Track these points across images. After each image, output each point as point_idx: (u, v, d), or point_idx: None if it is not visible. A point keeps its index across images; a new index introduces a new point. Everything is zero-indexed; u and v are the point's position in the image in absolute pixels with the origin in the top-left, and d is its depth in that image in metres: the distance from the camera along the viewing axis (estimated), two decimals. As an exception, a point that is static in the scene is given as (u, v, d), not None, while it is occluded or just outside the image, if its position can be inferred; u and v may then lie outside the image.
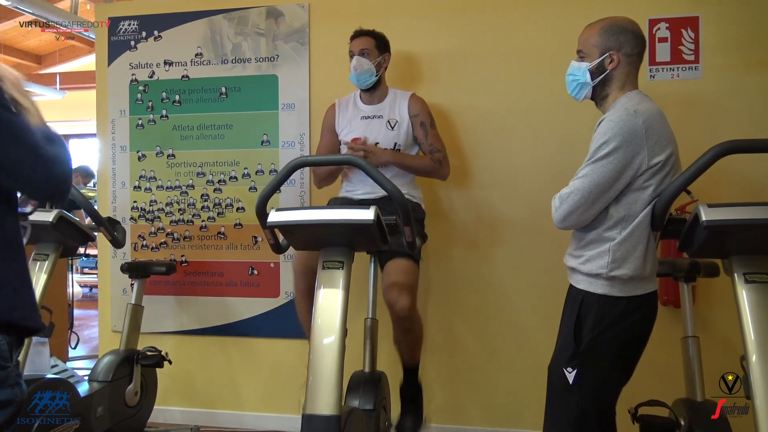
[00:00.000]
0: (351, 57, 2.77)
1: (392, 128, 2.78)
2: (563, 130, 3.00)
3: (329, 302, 1.93)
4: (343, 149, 2.75)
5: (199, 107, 3.43)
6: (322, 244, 2.06)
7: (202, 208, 3.43)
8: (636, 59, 1.82)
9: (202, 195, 3.44)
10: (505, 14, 3.10)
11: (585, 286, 1.78)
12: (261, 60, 3.37)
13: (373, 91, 2.82)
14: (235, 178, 3.38)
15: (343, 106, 2.89)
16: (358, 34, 2.82)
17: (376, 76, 2.77)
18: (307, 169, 3.14)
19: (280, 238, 2.19)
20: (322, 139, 2.93)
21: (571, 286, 1.85)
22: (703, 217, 1.63)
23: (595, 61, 1.82)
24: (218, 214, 3.40)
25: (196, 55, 3.45)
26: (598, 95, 1.85)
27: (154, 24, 3.49)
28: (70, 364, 4.09)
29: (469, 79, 3.14)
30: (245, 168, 3.38)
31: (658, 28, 2.90)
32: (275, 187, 2.02)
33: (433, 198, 3.12)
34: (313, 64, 3.31)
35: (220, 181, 3.40)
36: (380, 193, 2.62)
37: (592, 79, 1.82)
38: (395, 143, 2.77)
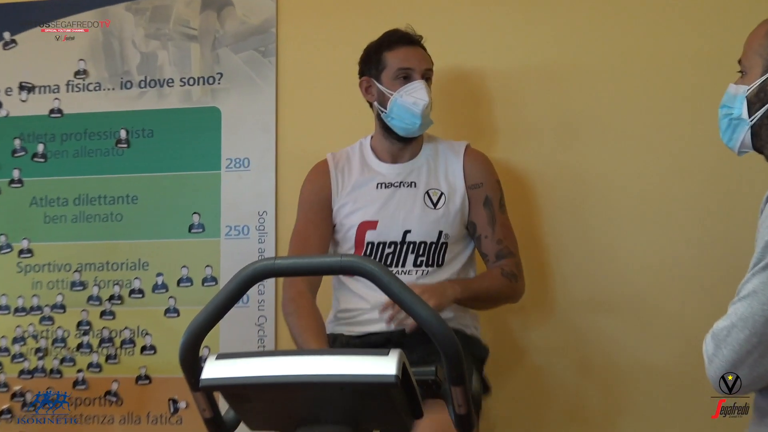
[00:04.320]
0: (401, 77, 2.80)
1: (434, 205, 2.79)
2: (718, 209, 3.00)
3: None
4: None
5: (78, 165, 3.43)
6: (301, 419, 1.83)
7: (80, 347, 3.36)
8: None
9: (79, 323, 3.37)
10: (613, 10, 3.14)
11: None
12: (191, 82, 3.38)
13: (407, 140, 2.86)
14: (141, 292, 3.35)
15: (342, 164, 2.91)
16: (414, 40, 2.86)
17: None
18: (272, 280, 3.17)
19: (223, 407, 1.89)
20: (299, 222, 2.91)
21: None
22: None
23: (755, 82, 1.89)
24: (108, 358, 3.35)
25: (78, 73, 3.46)
26: (766, 143, 1.93)
27: (4, 21, 3.51)
28: None
29: (546, 117, 3.16)
30: (159, 275, 3.35)
31: None
32: (217, 314, 1.78)
33: (497, 328, 3.08)
34: (282, 87, 3.31)
35: (112, 297, 3.36)
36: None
37: (750, 113, 1.91)
38: (440, 232, 2.77)
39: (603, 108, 3.14)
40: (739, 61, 1.95)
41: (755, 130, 1.91)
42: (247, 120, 3.32)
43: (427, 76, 2.82)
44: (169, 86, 3.38)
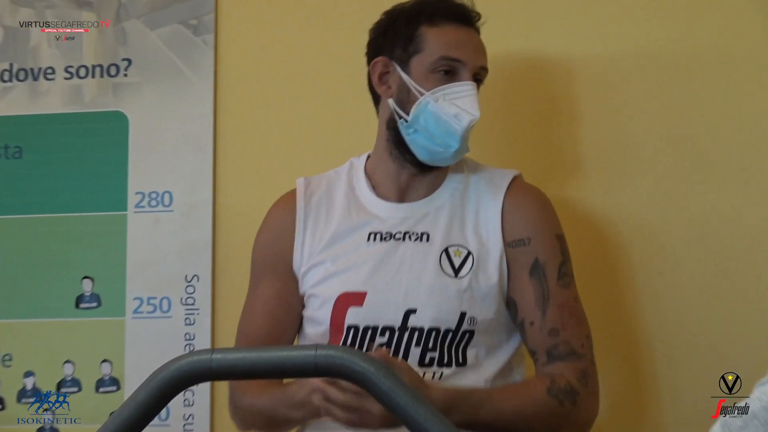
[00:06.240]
0: (441, 71, 2.55)
1: (456, 272, 2.58)
2: None
3: None
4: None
5: None
6: None
7: None
8: None
9: None
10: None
11: None
12: (83, 72, 3.20)
13: (428, 168, 2.64)
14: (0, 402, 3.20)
15: (318, 199, 2.73)
16: (470, 18, 2.64)
17: None
18: (206, 385, 3.07)
19: None
20: (250, 294, 2.74)
21: None
22: None
23: None
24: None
25: None
26: None
27: None
28: None
29: (655, 135, 2.97)
30: (28, 374, 3.15)
31: None
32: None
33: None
34: (224, 83, 3.16)
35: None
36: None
37: None
38: (462, 314, 2.54)
39: (746, 122, 2.89)
40: None
41: None
42: (169, 132, 3.09)
43: (479, 78, 2.56)
44: (47, 79, 3.15)
